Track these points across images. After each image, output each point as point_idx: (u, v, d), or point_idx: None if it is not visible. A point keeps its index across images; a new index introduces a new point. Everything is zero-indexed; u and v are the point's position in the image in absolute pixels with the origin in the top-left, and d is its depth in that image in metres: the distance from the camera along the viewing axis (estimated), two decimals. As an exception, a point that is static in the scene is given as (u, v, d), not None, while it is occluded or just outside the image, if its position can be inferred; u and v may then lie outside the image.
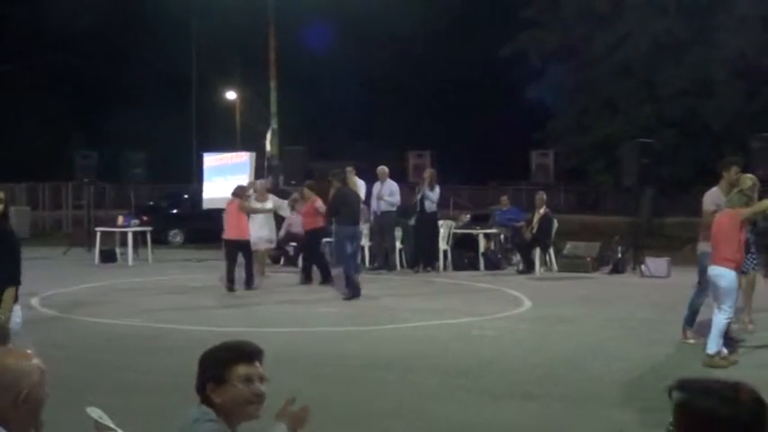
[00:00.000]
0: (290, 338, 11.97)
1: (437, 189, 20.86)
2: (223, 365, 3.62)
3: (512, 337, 12.27)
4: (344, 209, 16.49)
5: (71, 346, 11.32)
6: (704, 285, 11.00)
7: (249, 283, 17.05)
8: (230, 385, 3.58)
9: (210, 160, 28.24)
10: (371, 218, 20.70)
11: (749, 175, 11.19)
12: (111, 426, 3.68)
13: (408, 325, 13.23)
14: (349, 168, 19.12)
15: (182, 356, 10.65)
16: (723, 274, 9.97)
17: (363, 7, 37.88)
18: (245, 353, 3.68)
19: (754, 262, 12.54)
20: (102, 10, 46.93)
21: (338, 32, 45.22)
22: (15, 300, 7.93)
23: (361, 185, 19.91)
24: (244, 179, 26.14)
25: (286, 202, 20.13)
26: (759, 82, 29.82)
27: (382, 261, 20.75)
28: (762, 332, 12.05)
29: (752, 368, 9.76)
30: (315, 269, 18.37)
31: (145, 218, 24.96)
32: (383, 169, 20.79)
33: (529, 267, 20.32)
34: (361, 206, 18.41)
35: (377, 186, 20.68)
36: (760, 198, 10.93)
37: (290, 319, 13.88)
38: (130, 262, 21.98)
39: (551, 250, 20.97)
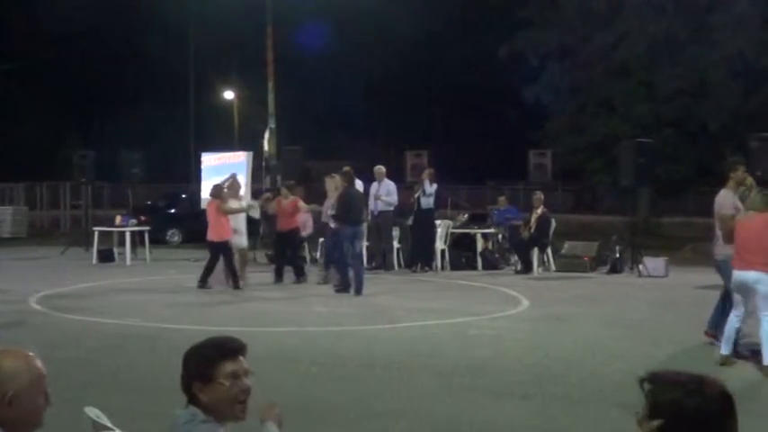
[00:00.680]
0: (288, 338, 11.97)
1: (434, 186, 20.86)
2: (209, 364, 3.58)
3: (510, 336, 12.26)
4: (352, 208, 16.85)
5: (69, 345, 11.30)
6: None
7: (236, 283, 16.91)
8: (217, 383, 3.54)
9: (208, 160, 28.24)
10: (369, 218, 20.71)
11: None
12: (109, 425, 3.67)
13: (406, 325, 13.22)
14: (347, 168, 19.12)
15: (179, 356, 10.65)
16: (762, 279, 9.76)
17: (361, 7, 37.88)
18: (229, 349, 3.64)
19: None
20: (101, 10, 46.93)
21: (336, 32, 45.22)
22: None
23: (359, 185, 19.91)
24: (242, 179, 26.19)
25: (257, 202, 20.14)
26: (757, 81, 29.82)
27: (380, 261, 20.75)
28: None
29: None
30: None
31: (143, 217, 24.95)
32: (380, 169, 20.80)
33: (527, 267, 20.32)
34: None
35: (374, 186, 20.69)
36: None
37: (288, 318, 13.87)
38: (128, 262, 21.97)
39: (549, 250, 20.97)
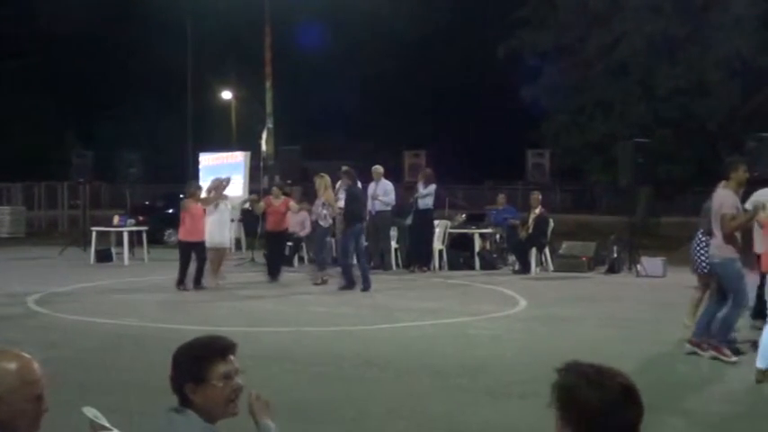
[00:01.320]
0: (286, 338, 11.97)
1: (431, 187, 20.85)
2: (201, 365, 3.58)
3: (507, 336, 12.27)
4: (356, 207, 17.27)
5: (66, 345, 11.29)
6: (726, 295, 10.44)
7: (198, 282, 16.80)
8: (210, 385, 3.55)
9: (206, 160, 28.30)
10: (367, 217, 20.72)
11: None
12: (107, 425, 3.67)
13: (403, 325, 13.22)
14: (347, 167, 19.16)
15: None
16: None
17: (359, 7, 37.88)
18: (220, 349, 3.64)
19: None
20: (99, 10, 46.92)
21: (334, 32, 45.23)
22: None
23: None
24: (239, 179, 26.24)
25: (237, 203, 20.11)
26: (754, 81, 29.86)
27: (378, 261, 20.76)
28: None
29: None
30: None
31: (140, 217, 24.93)
32: (377, 169, 20.80)
33: (525, 267, 20.33)
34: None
35: (372, 186, 20.71)
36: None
37: (286, 318, 13.86)
38: (126, 262, 21.97)
39: (547, 250, 20.97)
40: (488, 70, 43.19)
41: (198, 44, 47.62)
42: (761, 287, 10.87)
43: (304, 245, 21.86)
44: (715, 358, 10.21)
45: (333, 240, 19.69)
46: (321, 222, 18.03)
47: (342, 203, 18.05)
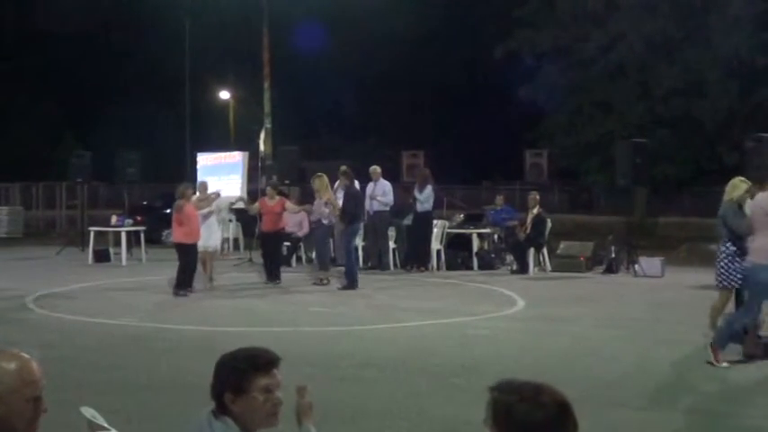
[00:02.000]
0: (284, 338, 11.95)
1: (427, 189, 20.81)
2: (243, 377, 3.53)
3: (505, 336, 12.27)
4: (355, 207, 17.47)
5: (64, 345, 11.29)
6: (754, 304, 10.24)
7: (189, 285, 16.27)
8: (250, 396, 3.51)
9: (204, 160, 28.28)
10: (365, 217, 20.73)
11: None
12: (105, 425, 3.67)
13: (402, 325, 13.22)
14: (345, 167, 19.17)
15: (175, 356, 10.66)
16: None
17: (357, 7, 37.87)
18: (263, 363, 3.61)
19: None
20: (98, 10, 46.91)
21: (332, 32, 45.22)
22: None
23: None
24: (237, 179, 26.25)
25: (227, 203, 19.95)
26: (752, 81, 29.84)
27: (376, 261, 20.76)
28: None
29: None
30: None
31: (138, 217, 24.92)
32: (375, 169, 20.79)
33: (523, 267, 20.33)
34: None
35: (370, 186, 20.71)
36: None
37: (283, 318, 13.87)
38: (124, 262, 21.97)
39: (545, 250, 20.96)
40: (486, 71, 43.20)
41: (196, 44, 47.56)
42: None
43: (302, 245, 21.86)
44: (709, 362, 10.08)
45: (331, 240, 19.69)
46: (324, 221, 18.03)
47: (340, 203, 18.09)
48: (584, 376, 9.56)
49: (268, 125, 30.28)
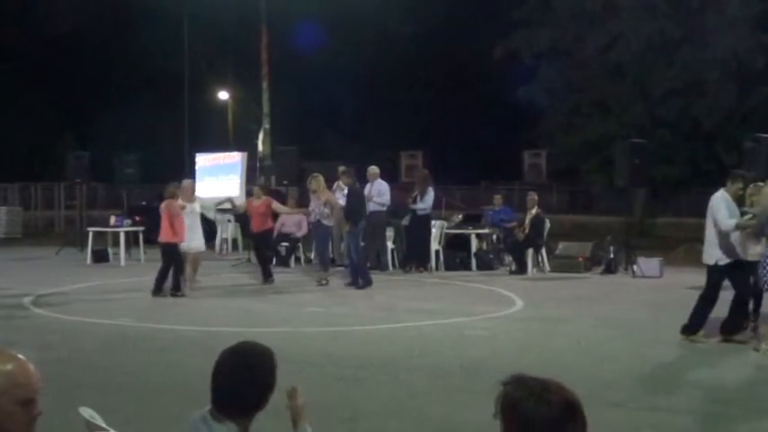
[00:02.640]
0: (282, 338, 11.94)
1: (428, 196, 20.77)
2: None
3: (504, 337, 12.28)
4: (359, 206, 17.64)
5: (63, 345, 11.28)
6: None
7: (177, 287, 16.00)
8: None
9: (203, 160, 28.26)
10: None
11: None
12: (103, 425, 3.67)
13: (401, 325, 13.22)
14: (343, 168, 19.17)
15: (173, 356, 10.66)
16: None
17: (356, 7, 37.87)
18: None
19: None
20: (96, 10, 46.87)
21: (330, 32, 45.19)
22: None
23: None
24: (235, 179, 26.23)
25: (212, 203, 19.76)
26: (751, 82, 29.88)
27: (374, 261, 20.75)
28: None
29: None
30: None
31: (137, 218, 24.90)
32: (373, 169, 20.74)
33: (521, 268, 20.33)
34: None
35: (368, 187, 20.70)
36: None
37: (281, 318, 13.86)
38: (123, 262, 21.96)
39: (544, 250, 20.97)
40: (485, 71, 43.16)
41: (195, 44, 47.56)
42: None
43: (300, 245, 21.85)
44: None
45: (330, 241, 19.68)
46: (325, 222, 17.98)
47: (342, 203, 18.12)
48: (582, 376, 9.55)
49: (267, 125, 30.30)
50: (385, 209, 20.66)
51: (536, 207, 20.98)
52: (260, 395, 3.71)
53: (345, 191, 18.46)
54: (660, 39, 30.56)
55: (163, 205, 16.24)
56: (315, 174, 18.32)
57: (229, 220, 25.04)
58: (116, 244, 22.71)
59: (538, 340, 12.00)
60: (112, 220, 23.36)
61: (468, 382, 9.31)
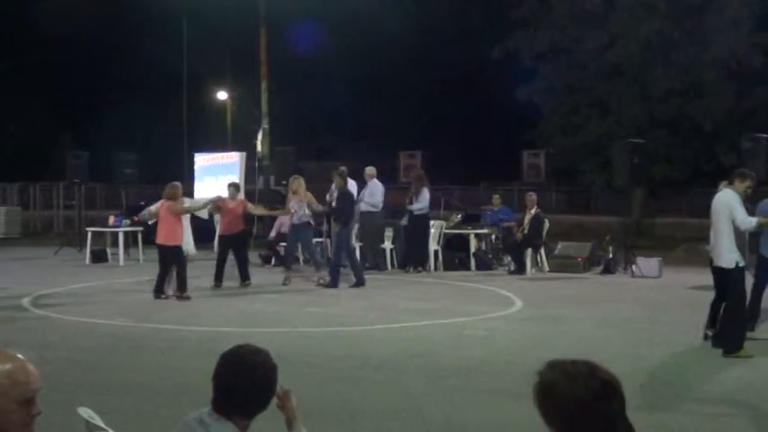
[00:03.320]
0: (280, 338, 11.94)
1: (423, 196, 20.74)
2: None
3: (503, 337, 12.27)
4: (349, 207, 17.74)
5: (62, 346, 11.28)
6: None
7: (182, 289, 15.77)
8: None
9: (201, 160, 28.29)
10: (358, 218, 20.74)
11: None
12: (102, 425, 3.67)
13: (399, 325, 13.22)
14: (342, 168, 19.17)
15: (172, 356, 10.65)
16: None
17: (354, 8, 37.88)
18: None
19: None
20: (95, 10, 46.88)
21: (329, 32, 45.22)
22: None
23: (352, 186, 19.93)
24: (235, 179, 26.22)
25: (202, 203, 19.43)
26: (750, 82, 29.89)
27: (372, 261, 20.75)
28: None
29: None
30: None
31: (136, 218, 24.88)
32: (369, 170, 20.74)
33: (520, 268, 20.33)
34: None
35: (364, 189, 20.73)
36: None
37: (280, 319, 13.86)
38: (121, 262, 21.96)
39: (542, 250, 20.97)
40: (484, 71, 43.16)
41: (194, 45, 47.59)
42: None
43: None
44: None
45: (328, 241, 19.67)
46: (298, 221, 17.80)
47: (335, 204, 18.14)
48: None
49: (265, 125, 30.27)
50: (377, 210, 20.60)
51: (535, 207, 20.99)
52: (260, 397, 3.71)
53: (336, 193, 18.31)
54: (659, 39, 30.56)
55: (164, 207, 16.04)
56: (296, 175, 18.39)
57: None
58: (115, 244, 22.72)
59: (536, 340, 12.00)
60: (111, 220, 23.36)
61: (467, 382, 9.31)
